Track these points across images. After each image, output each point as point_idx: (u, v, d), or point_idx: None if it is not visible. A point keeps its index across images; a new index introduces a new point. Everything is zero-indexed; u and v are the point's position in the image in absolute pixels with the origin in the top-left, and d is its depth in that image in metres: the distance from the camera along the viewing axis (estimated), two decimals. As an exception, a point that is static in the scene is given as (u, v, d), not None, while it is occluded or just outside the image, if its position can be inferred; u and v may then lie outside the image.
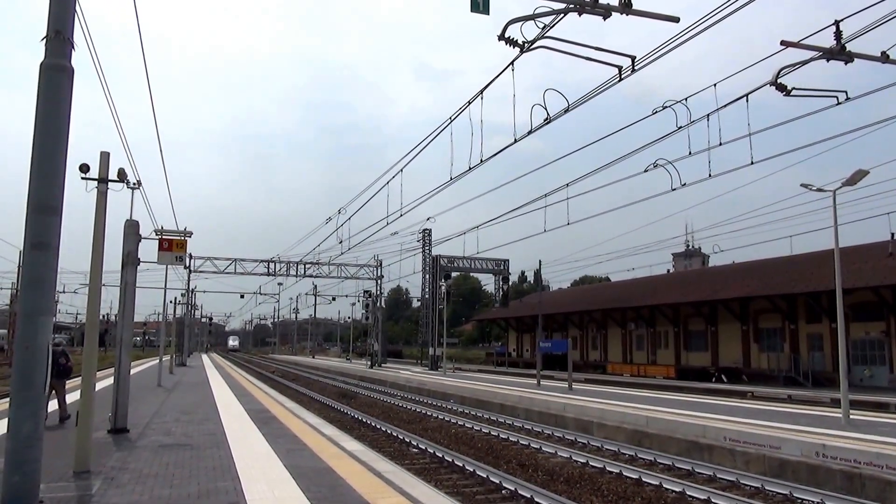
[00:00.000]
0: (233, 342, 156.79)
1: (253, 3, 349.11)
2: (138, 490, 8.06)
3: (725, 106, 14.05)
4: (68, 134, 6.49)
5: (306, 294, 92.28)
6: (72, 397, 19.43)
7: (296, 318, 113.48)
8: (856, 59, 11.67)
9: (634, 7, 10.57)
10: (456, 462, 13.33)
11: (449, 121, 16.01)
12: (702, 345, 47.77)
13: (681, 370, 46.71)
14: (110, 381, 18.88)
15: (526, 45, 11.20)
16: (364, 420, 20.86)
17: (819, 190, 17.21)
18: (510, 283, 57.37)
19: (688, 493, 10.89)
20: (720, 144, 14.51)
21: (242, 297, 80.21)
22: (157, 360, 32.56)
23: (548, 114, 13.51)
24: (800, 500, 10.77)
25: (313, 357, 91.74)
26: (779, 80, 12.01)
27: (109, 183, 9.90)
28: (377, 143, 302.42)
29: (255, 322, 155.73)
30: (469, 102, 15.08)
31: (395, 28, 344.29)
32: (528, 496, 10.36)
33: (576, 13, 10.52)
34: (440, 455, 14.21)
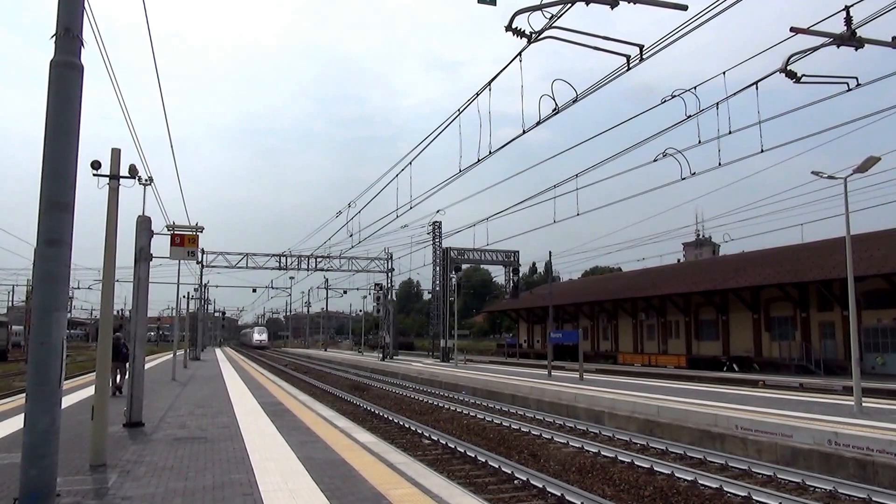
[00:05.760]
0: (259, 336, 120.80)
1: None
2: (154, 483, 8.15)
3: (735, 94, 13.97)
4: (79, 131, 6.53)
5: (318, 288, 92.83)
6: (87, 392, 19.66)
7: (307, 311, 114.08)
8: (866, 45, 11.57)
9: (642, -5, 10.51)
10: (468, 453, 13.38)
11: (457, 112, 15.99)
12: (713, 334, 47.63)
13: (692, 359, 46.58)
14: (117, 378, 19.08)
15: (533, 35, 11.17)
16: (376, 412, 20.96)
17: (830, 177, 17.09)
18: (520, 275, 57.44)
19: (700, 481, 10.90)
20: (730, 133, 14.45)
21: (255, 291, 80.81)
22: (171, 355, 32.83)
23: (556, 104, 13.48)
24: (812, 488, 10.76)
25: (325, 350, 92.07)
26: (789, 67, 11.94)
27: (121, 179, 9.96)
28: (387, 134, 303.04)
29: (268, 316, 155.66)
30: (477, 94, 15.07)
31: (405, 19, 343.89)
32: (541, 486, 10.40)
33: (583, 2, 10.48)
34: (452, 446, 14.28)
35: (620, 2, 10.49)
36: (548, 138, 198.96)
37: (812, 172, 17.36)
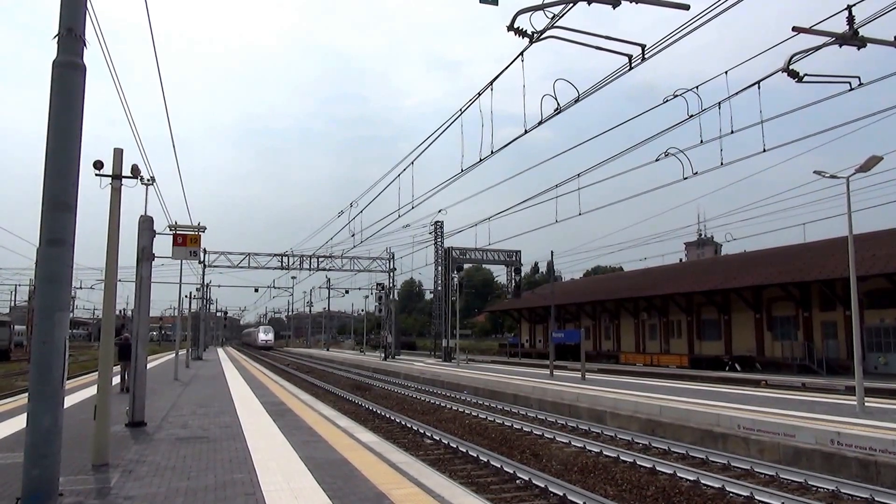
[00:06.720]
0: (264, 335, 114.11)
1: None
2: (156, 482, 8.16)
3: (737, 93, 13.96)
4: (81, 131, 6.54)
5: (320, 287, 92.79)
6: (89, 392, 19.68)
7: (310, 311, 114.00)
8: (869, 45, 11.55)
9: (644, -5, 10.50)
10: (470, 452, 13.38)
11: (459, 112, 16.00)
12: (715, 333, 47.59)
13: (694, 359, 46.56)
14: (126, 376, 19.10)
15: (535, 35, 11.17)
16: (378, 411, 20.96)
17: (832, 177, 17.05)
18: (522, 274, 57.31)
19: (702, 481, 10.89)
20: (732, 132, 14.43)
21: (257, 290, 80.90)
22: (174, 355, 32.87)
23: (558, 104, 13.48)
24: (815, 488, 10.75)
25: (328, 350, 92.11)
26: (791, 67, 11.92)
27: (123, 179, 9.97)
28: (388, 134, 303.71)
29: (270, 316, 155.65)
30: (479, 94, 15.07)
31: (406, 19, 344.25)
32: (543, 486, 10.39)
33: (585, 2, 10.46)
34: (454, 445, 14.27)
35: (622, 1, 10.48)
36: (550, 138, 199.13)
37: (814, 172, 17.32)
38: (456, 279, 49.58)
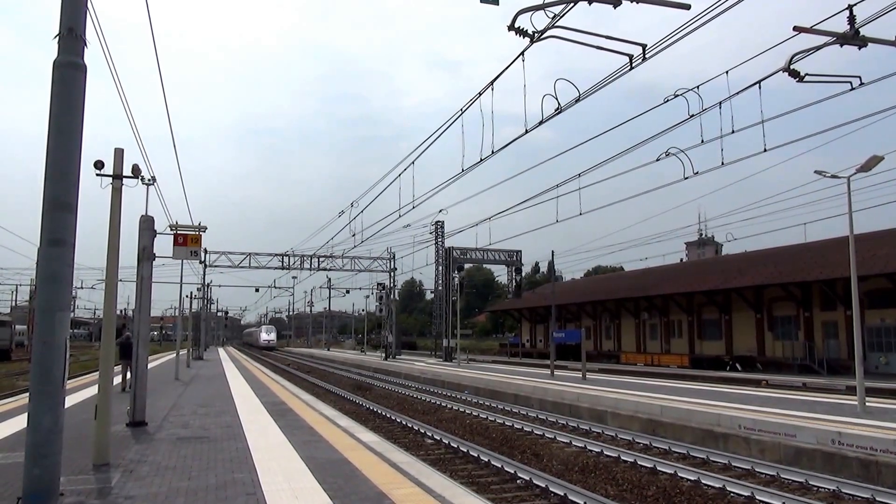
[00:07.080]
0: (267, 335, 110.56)
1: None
2: (157, 482, 8.16)
3: (738, 93, 13.94)
4: (82, 131, 6.54)
5: (320, 287, 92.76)
6: (90, 391, 19.68)
7: (310, 311, 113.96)
8: (870, 44, 11.54)
9: (644, -6, 10.48)
10: (471, 452, 13.38)
11: (460, 112, 15.99)
12: (716, 333, 47.57)
13: (695, 359, 46.55)
14: (128, 375, 19.13)
15: (536, 34, 11.15)
16: (379, 411, 20.96)
17: (833, 176, 17.04)
18: (523, 274, 57.28)
19: (703, 481, 10.89)
20: (733, 132, 14.41)
21: (257, 290, 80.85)
22: (175, 355, 32.88)
23: (559, 104, 13.47)
24: (816, 488, 10.74)
25: (328, 349, 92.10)
26: (792, 67, 11.90)
27: (124, 179, 9.96)
28: (389, 134, 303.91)
29: (270, 315, 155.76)
30: (480, 94, 15.05)
31: (406, 19, 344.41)
32: (543, 486, 10.39)
33: (585, 1, 10.45)
34: (455, 445, 14.27)
35: (623, 1, 10.47)
36: (550, 138, 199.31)
37: (815, 172, 17.30)
38: (456, 279, 49.58)
